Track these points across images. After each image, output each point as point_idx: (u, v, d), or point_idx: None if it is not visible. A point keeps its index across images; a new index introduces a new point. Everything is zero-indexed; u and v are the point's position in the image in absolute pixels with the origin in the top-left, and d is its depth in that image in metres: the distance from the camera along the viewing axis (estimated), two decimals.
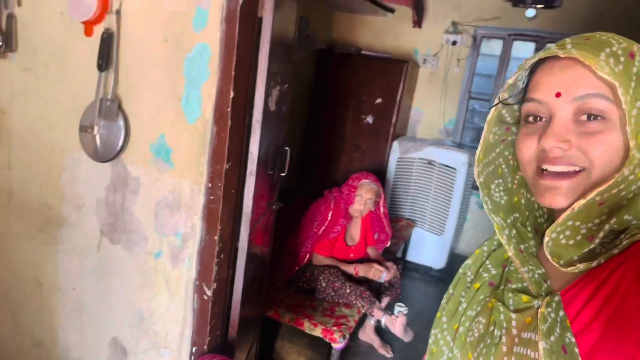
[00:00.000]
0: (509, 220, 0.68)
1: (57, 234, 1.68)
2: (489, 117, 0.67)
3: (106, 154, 1.51)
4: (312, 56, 3.93)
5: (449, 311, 0.73)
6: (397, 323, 2.26)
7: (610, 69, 0.52)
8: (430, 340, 0.75)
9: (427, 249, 3.74)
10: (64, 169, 1.62)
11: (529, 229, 0.69)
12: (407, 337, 2.46)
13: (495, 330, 0.63)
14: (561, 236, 0.57)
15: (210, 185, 1.38)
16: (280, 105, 1.67)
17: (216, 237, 1.40)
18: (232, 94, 1.32)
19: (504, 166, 0.70)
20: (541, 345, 0.54)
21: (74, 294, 1.70)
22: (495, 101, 0.66)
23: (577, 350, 0.51)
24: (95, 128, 1.47)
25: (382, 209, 2.71)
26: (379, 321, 2.49)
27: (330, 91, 3.78)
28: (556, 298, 0.57)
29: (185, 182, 1.41)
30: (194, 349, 1.52)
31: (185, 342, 1.52)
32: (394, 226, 3.51)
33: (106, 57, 1.42)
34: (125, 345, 1.64)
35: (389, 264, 2.54)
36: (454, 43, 3.81)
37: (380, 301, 2.53)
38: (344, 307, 2.33)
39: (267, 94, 1.48)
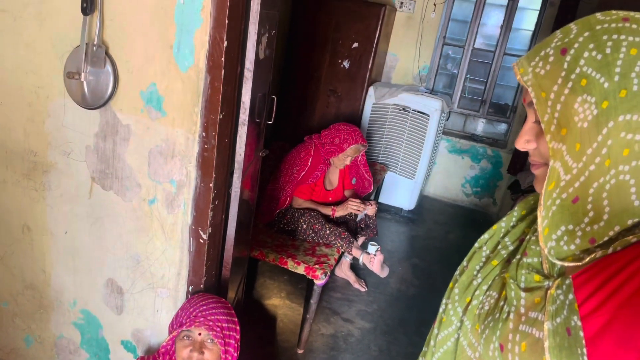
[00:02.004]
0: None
1: (45, 180, 1.69)
2: None
3: (94, 101, 1.50)
4: None
5: (462, 283, 0.75)
6: (375, 261, 2.43)
7: (533, 74, 0.57)
8: (440, 309, 0.77)
9: (398, 191, 3.92)
10: (48, 115, 1.59)
11: None
12: (383, 273, 2.65)
13: (505, 306, 0.64)
14: (561, 242, 0.56)
15: (204, 134, 1.41)
16: (267, 53, 1.68)
17: (211, 185, 1.45)
18: (225, 43, 1.32)
19: None
20: (546, 325, 0.55)
21: (66, 238, 1.74)
22: None
23: (581, 334, 0.50)
24: (83, 74, 1.45)
25: (360, 158, 2.80)
26: (355, 258, 2.66)
27: (307, 35, 3.72)
28: (567, 281, 0.56)
29: (180, 131, 1.43)
30: (190, 288, 1.61)
31: (181, 282, 1.61)
32: None
33: None
34: (121, 285, 1.71)
35: (372, 202, 2.67)
36: None
37: (357, 240, 2.69)
38: (324, 247, 2.47)
39: (258, 42, 1.48)
